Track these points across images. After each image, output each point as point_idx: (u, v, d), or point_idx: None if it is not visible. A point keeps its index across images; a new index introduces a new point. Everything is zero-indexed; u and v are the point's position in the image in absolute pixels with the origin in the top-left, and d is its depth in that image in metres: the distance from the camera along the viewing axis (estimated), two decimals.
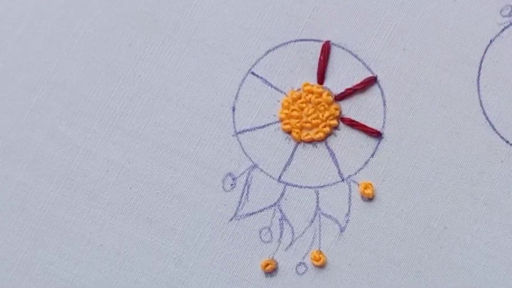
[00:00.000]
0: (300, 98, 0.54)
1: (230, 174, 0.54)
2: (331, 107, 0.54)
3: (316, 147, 0.54)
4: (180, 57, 0.55)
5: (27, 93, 0.54)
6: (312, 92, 0.54)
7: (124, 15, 0.55)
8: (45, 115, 0.54)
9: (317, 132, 0.54)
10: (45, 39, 0.55)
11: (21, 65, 0.55)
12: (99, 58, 0.55)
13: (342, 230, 0.53)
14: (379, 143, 0.54)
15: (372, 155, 0.54)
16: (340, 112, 0.54)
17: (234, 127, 0.54)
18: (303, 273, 0.53)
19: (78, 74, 0.55)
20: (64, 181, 0.54)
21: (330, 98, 0.54)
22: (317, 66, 0.54)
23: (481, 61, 0.54)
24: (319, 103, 0.54)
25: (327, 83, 0.54)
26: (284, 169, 0.54)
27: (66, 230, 0.54)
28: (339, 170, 0.54)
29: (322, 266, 0.53)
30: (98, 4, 0.55)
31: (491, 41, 0.54)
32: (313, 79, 0.54)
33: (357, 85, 0.54)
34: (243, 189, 0.54)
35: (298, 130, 0.54)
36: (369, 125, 0.54)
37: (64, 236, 0.54)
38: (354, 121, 0.54)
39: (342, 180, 0.53)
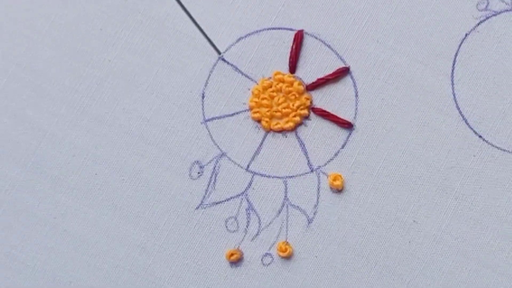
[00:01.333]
0: (271, 86, 0.53)
1: (197, 162, 0.53)
2: (302, 97, 0.53)
3: (286, 137, 0.53)
4: (151, 43, 0.54)
5: None
6: (283, 81, 0.53)
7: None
8: (13, 99, 0.54)
9: (287, 122, 0.53)
10: (14, 22, 0.54)
11: None
12: (69, 42, 0.54)
13: (309, 221, 0.52)
14: (350, 134, 0.53)
15: (343, 146, 0.53)
16: (311, 102, 0.53)
17: (203, 114, 0.53)
18: (268, 264, 0.52)
19: (47, 58, 0.54)
20: (30, 165, 0.53)
21: (301, 88, 0.53)
22: (289, 55, 0.54)
23: (456, 55, 0.53)
24: (290, 92, 0.53)
25: (299, 72, 0.54)
26: (253, 158, 0.53)
27: (30, 214, 0.53)
28: (308, 161, 0.53)
29: (288, 258, 0.52)
30: None
31: (466, 35, 0.53)
32: (284, 68, 0.54)
33: (329, 75, 0.53)
34: (210, 178, 0.53)
35: (268, 119, 0.53)
36: (341, 116, 0.53)
37: (27, 220, 0.53)
38: (325, 111, 0.53)
39: (312, 171, 0.53)
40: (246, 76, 0.54)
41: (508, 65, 0.53)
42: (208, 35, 0.53)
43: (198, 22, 0.53)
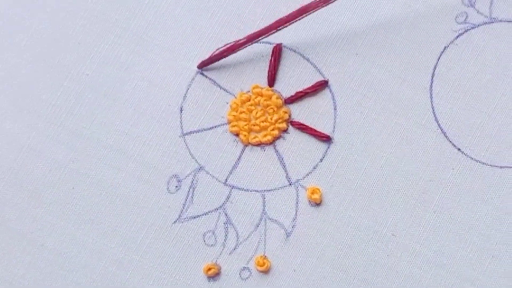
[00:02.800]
0: (249, 100, 0.53)
1: (175, 175, 0.53)
2: (280, 110, 0.53)
3: (264, 150, 0.53)
4: (129, 57, 0.54)
5: None
6: (261, 95, 0.53)
7: (74, 13, 0.54)
8: None
9: (265, 135, 0.53)
10: None
11: None
12: (47, 55, 0.54)
13: (288, 235, 0.52)
14: (328, 147, 0.53)
15: (321, 160, 0.53)
16: (290, 116, 0.53)
17: (181, 128, 0.53)
18: (246, 278, 0.52)
19: (25, 71, 0.54)
20: (7, 178, 0.53)
21: (280, 101, 0.53)
22: (267, 69, 0.53)
23: (434, 68, 0.54)
24: (268, 105, 0.53)
25: (278, 86, 0.54)
26: (231, 172, 0.53)
27: (7, 228, 0.53)
28: (287, 174, 0.53)
29: (266, 272, 0.52)
30: (48, 2, 0.54)
31: (445, 48, 0.54)
32: (263, 82, 0.54)
33: (308, 88, 0.53)
34: (188, 191, 0.53)
35: (246, 133, 0.53)
36: (319, 129, 0.53)
37: (4, 235, 0.53)
38: (303, 124, 0.53)
39: (290, 184, 0.53)
40: (225, 89, 0.54)
41: (487, 78, 0.53)
42: (187, 49, 0.53)
43: (177, 36, 0.53)
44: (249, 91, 0.54)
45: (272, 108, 0.53)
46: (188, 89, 0.54)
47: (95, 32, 0.54)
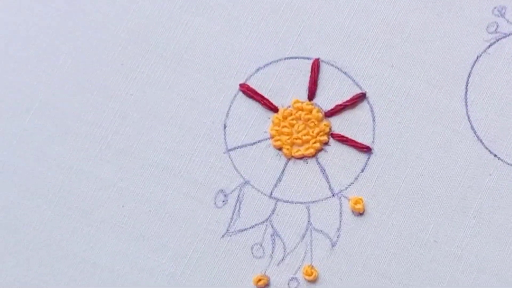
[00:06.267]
0: (290, 115, 0.55)
1: (221, 190, 0.54)
2: (321, 124, 0.54)
3: (307, 163, 0.54)
4: (171, 76, 0.55)
5: (19, 113, 0.55)
6: (302, 109, 0.55)
7: (116, 34, 0.55)
8: (37, 136, 0.55)
9: (307, 148, 0.54)
10: (36, 58, 0.55)
11: (13, 85, 0.55)
12: (91, 77, 0.55)
13: (333, 245, 0.54)
14: (369, 158, 0.54)
15: (362, 170, 0.54)
16: (330, 128, 0.55)
17: (226, 144, 0.54)
18: (295, 287, 0.53)
19: (70, 94, 0.55)
20: (57, 200, 0.54)
21: (320, 115, 0.54)
22: (307, 83, 0.55)
23: (468, 77, 0.55)
24: (309, 119, 0.54)
25: (317, 99, 0.55)
26: (276, 185, 0.54)
27: (59, 249, 0.54)
28: (329, 186, 0.54)
29: (314, 281, 0.53)
30: (90, 24, 0.55)
31: (477, 57, 0.55)
32: (303, 96, 0.55)
33: (347, 101, 0.55)
34: (235, 206, 0.54)
35: (288, 147, 0.54)
36: (359, 140, 0.54)
37: (57, 255, 0.54)
38: (344, 136, 0.54)
39: (333, 195, 0.54)
40: (266, 105, 0.55)
41: None
42: (227, 67, 0.54)
43: (217, 54, 0.54)
44: (289, 106, 0.55)
45: (313, 121, 0.54)
46: (230, 106, 0.55)
47: (137, 53, 0.55)
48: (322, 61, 0.55)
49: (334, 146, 0.54)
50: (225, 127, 0.54)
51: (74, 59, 0.55)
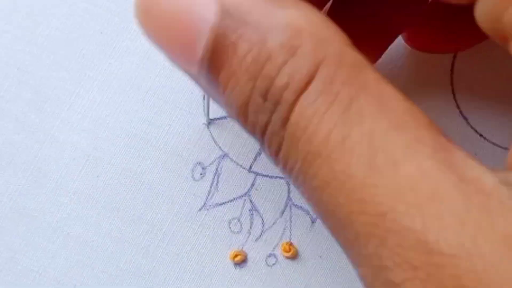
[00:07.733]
0: None
1: (199, 163, 0.53)
2: None
3: None
4: (150, 45, 0.54)
5: None
6: None
7: (95, 3, 0.54)
8: (12, 103, 0.53)
9: None
10: (16, 27, 0.54)
11: None
12: (69, 46, 0.54)
13: (313, 221, 0.52)
14: None
15: None
16: None
17: (205, 115, 0.53)
18: (273, 264, 0.52)
19: (48, 62, 0.54)
20: (31, 169, 0.53)
21: None
22: None
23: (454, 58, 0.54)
24: None
25: None
26: (255, 159, 0.53)
27: (32, 219, 0.53)
28: None
29: (292, 258, 0.52)
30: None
31: None
32: None
33: None
34: (213, 179, 0.53)
35: None
36: None
37: (29, 225, 0.53)
38: None
39: None
40: None
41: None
42: None
43: None
44: None
45: None
46: None
47: (116, 22, 0.54)
48: None
49: None
50: (204, 97, 0.53)
51: (53, 28, 0.54)
